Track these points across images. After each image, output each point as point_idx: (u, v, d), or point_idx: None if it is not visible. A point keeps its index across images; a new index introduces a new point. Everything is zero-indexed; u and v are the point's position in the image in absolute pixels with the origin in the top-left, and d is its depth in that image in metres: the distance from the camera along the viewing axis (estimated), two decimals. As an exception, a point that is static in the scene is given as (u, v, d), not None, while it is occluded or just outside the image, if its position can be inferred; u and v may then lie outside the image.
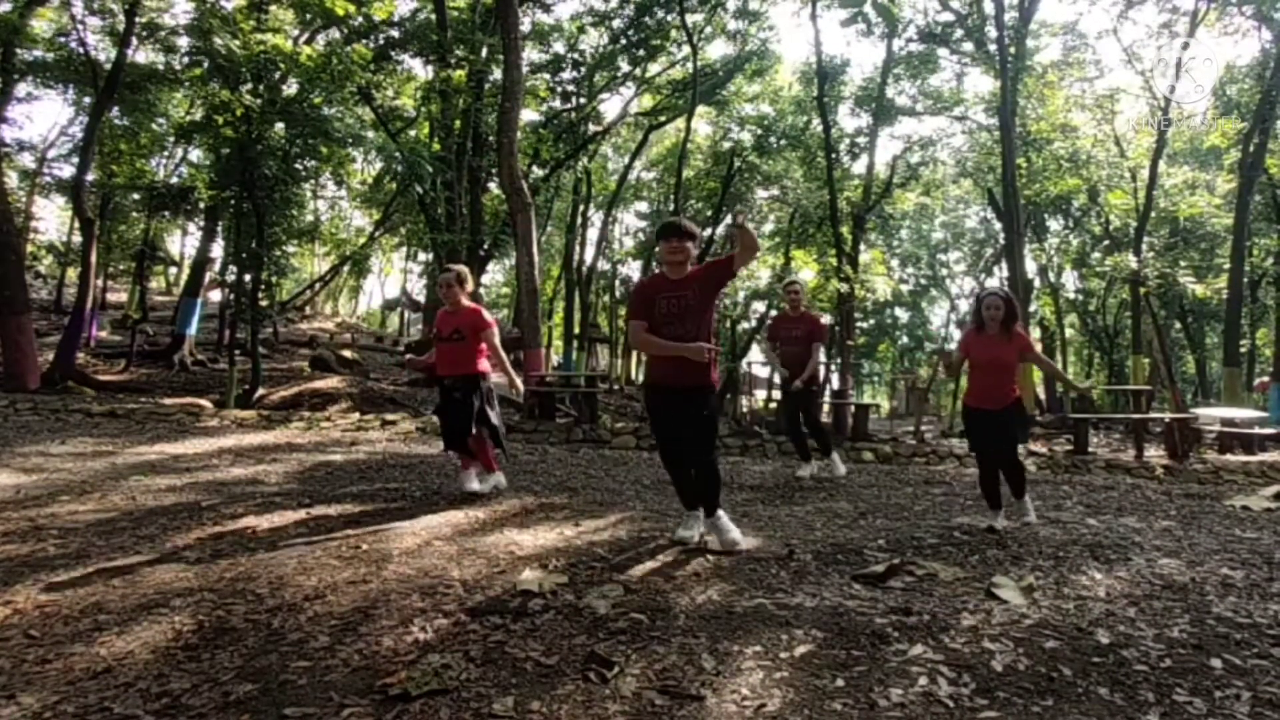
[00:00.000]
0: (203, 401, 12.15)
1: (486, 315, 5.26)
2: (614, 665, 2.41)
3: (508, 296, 33.58)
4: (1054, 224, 26.12)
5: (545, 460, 7.58)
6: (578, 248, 27.59)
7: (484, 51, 16.54)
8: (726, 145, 24.49)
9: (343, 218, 30.61)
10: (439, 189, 15.65)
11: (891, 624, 2.86)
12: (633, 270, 31.79)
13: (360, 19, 16.43)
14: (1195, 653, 2.66)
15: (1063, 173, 19.80)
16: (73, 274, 23.34)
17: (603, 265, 31.00)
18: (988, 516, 4.73)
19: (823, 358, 7.21)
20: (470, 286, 5.39)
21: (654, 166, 29.80)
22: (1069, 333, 31.70)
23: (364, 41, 16.78)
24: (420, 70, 19.48)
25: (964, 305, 33.17)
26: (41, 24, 16.70)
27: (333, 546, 3.85)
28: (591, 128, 23.54)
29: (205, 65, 13.77)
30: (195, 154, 22.85)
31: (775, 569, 3.60)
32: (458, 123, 15.97)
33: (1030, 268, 22.18)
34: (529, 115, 20.74)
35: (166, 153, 24.76)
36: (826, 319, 24.30)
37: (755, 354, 30.96)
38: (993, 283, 30.67)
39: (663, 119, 24.74)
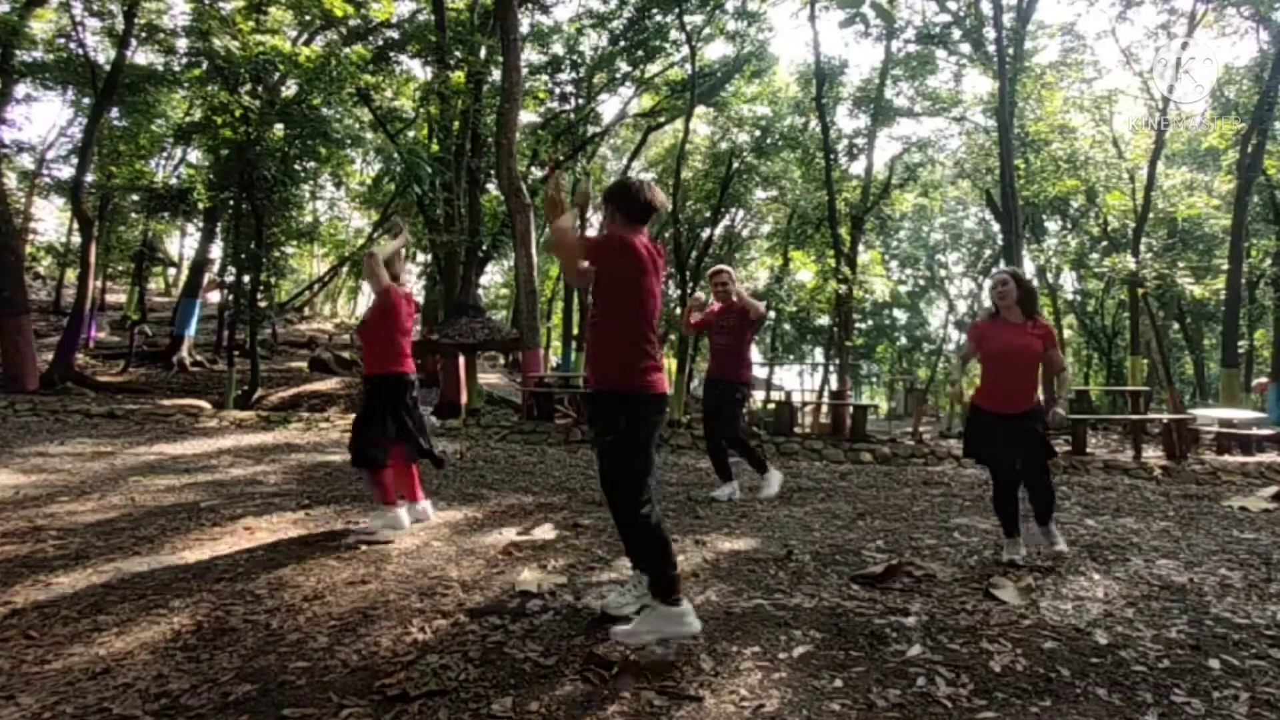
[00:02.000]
0: (201, 402, 12.14)
1: None
2: (613, 665, 2.41)
3: (506, 297, 33.55)
4: (1052, 225, 26.16)
5: (544, 461, 7.58)
6: (576, 249, 27.55)
7: (483, 53, 16.54)
8: (725, 146, 24.50)
9: (341, 219, 30.57)
10: (438, 190, 15.64)
11: (890, 625, 2.87)
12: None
13: (359, 20, 16.44)
14: (1193, 653, 2.67)
15: (1061, 174, 19.81)
16: (72, 275, 23.29)
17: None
18: (1006, 548, 3.88)
19: (755, 355, 6.14)
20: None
21: (653, 167, 29.78)
22: (1067, 333, 31.72)
23: (363, 43, 16.78)
24: (419, 71, 19.48)
25: (962, 306, 33.19)
26: (41, 25, 16.66)
27: (331, 547, 3.86)
28: (590, 129, 23.55)
29: (204, 66, 13.79)
30: (194, 155, 22.83)
31: (774, 570, 3.60)
32: (456, 124, 15.96)
33: (1029, 268, 22.17)
34: (528, 116, 20.75)
35: (165, 154, 24.71)
36: (825, 319, 24.38)
37: (754, 354, 30.98)
38: (990, 283, 30.66)
39: (661, 120, 24.74)
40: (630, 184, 2.91)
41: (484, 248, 17.09)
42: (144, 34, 16.64)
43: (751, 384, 5.74)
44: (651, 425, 2.72)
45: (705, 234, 25.15)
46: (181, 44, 16.14)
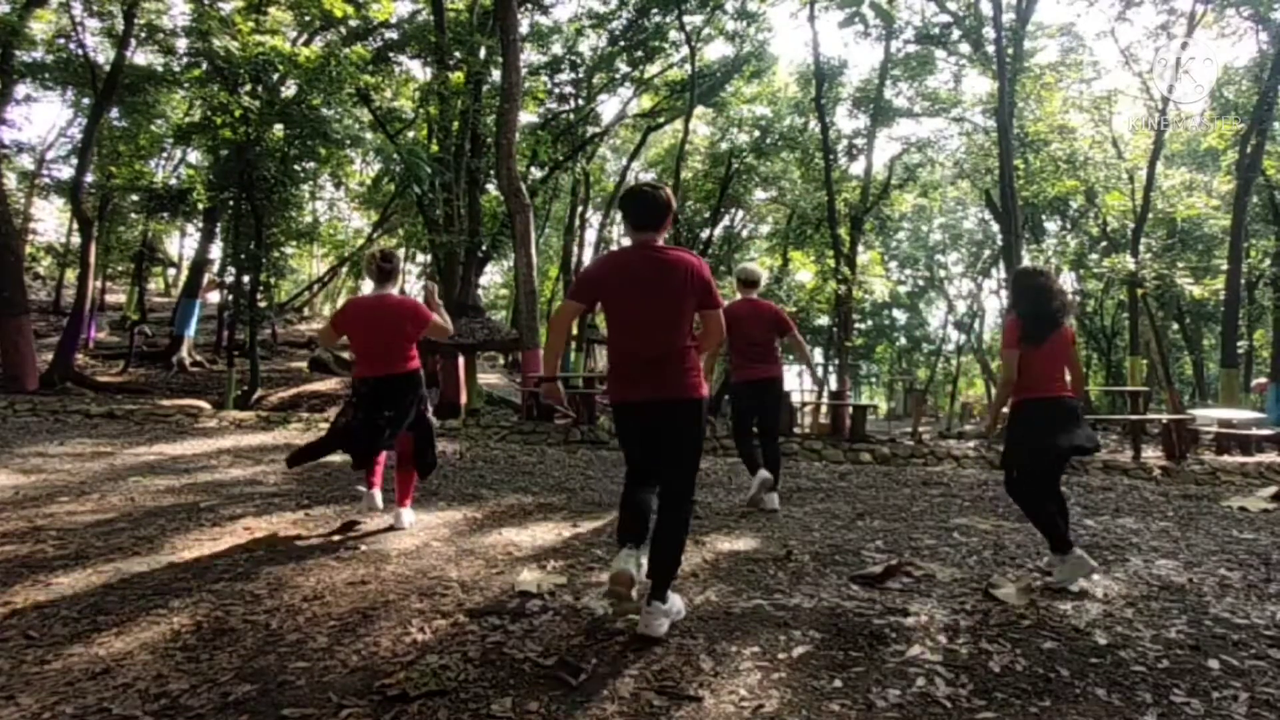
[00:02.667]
0: (201, 403, 12.13)
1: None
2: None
3: (506, 298, 33.56)
4: (1051, 225, 26.18)
5: (543, 461, 7.58)
6: (576, 249, 27.61)
7: (482, 53, 16.55)
8: (724, 146, 24.52)
9: (341, 219, 30.59)
10: (437, 190, 15.65)
11: (889, 625, 2.87)
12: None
13: (359, 20, 16.44)
14: (1193, 654, 2.66)
15: (1060, 174, 19.83)
16: (71, 275, 23.28)
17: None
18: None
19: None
20: None
21: (652, 168, 29.81)
22: (1067, 334, 31.67)
23: (362, 43, 16.79)
24: (419, 72, 19.51)
25: (962, 306, 33.20)
26: (41, 25, 16.66)
27: (331, 547, 3.86)
28: (590, 129, 23.55)
29: (204, 67, 13.78)
30: (194, 155, 22.84)
31: (773, 570, 3.60)
32: (456, 124, 15.98)
33: (1028, 269, 22.14)
34: (527, 117, 20.75)
35: (165, 154, 24.72)
36: (823, 319, 24.40)
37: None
38: (990, 284, 30.75)
39: (661, 120, 24.76)
40: (625, 192, 3.07)
41: (483, 248, 17.10)
42: (144, 34, 16.65)
43: (739, 384, 5.73)
44: (622, 428, 3.02)
45: (705, 234, 25.16)
46: (181, 44, 16.15)
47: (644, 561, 2.80)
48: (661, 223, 2.93)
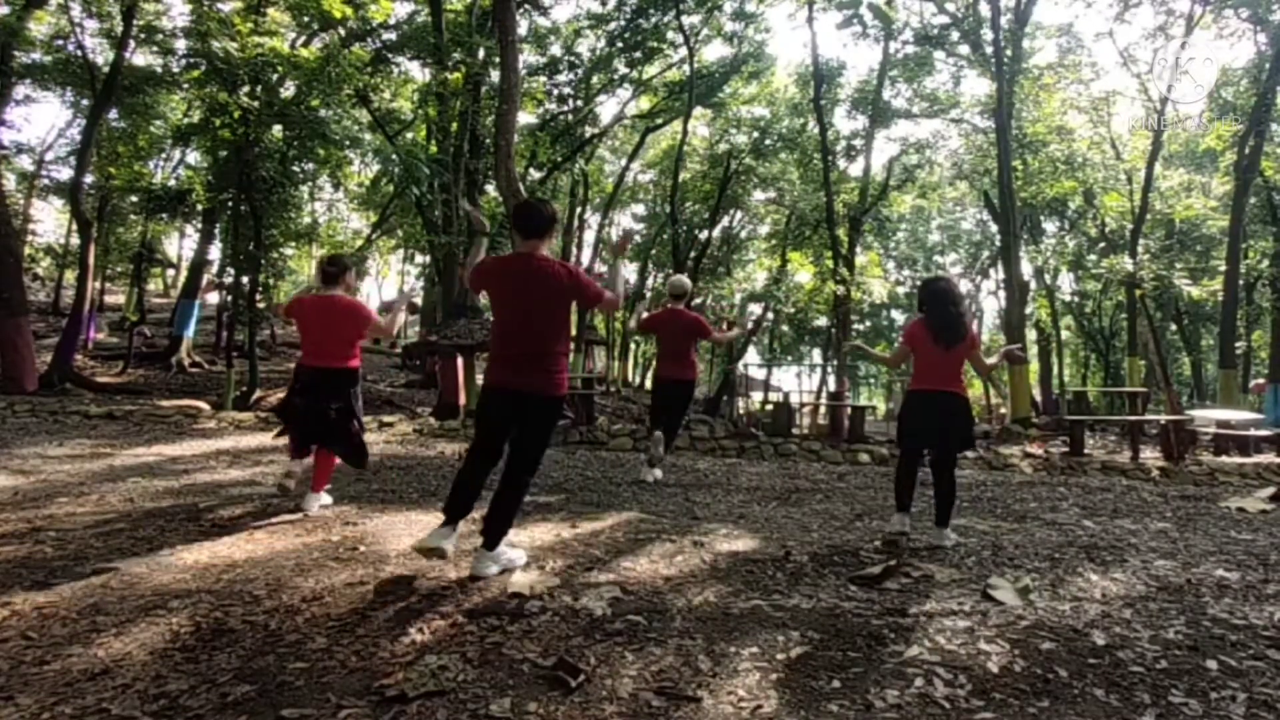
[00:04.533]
0: (200, 403, 12.12)
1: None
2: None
3: (505, 299, 33.54)
4: (1050, 226, 26.21)
5: (542, 461, 7.57)
6: (574, 249, 27.62)
7: (481, 54, 16.56)
8: (723, 147, 24.53)
9: (340, 220, 30.58)
10: (436, 191, 15.65)
11: (887, 625, 2.87)
12: (628, 272, 31.78)
13: (357, 22, 16.44)
14: (1191, 654, 2.67)
15: (1059, 175, 19.84)
16: (71, 276, 23.28)
17: (600, 267, 30.93)
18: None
19: (752, 355, 7.08)
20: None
21: (651, 168, 29.84)
22: (1065, 334, 31.77)
23: (361, 44, 16.79)
24: (417, 73, 19.52)
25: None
26: (40, 26, 16.65)
27: (330, 548, 3.86)
28: (588, 130, 23.56)
29: (203, 68, 13.76)
30: (193, 156, 22.84)
31: (771, 570, 3.61)
32: (454, 125, 15.98)
33: (1026, 269, 22.25)
34: (526, 118, 20.77)
35: (164, 155, 24.72)
36: (822, 321, 24.44)
37: (753, 355, 30.94)
38: (988, 284, 30.78)
39: (659, 121, 24.76)
40: (518, 205, 3.56)
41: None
42: (142, 35, 16.63)
43: (657, 379, 6.86)
44: (486, 410, 3.47)
45: (704, 235, 25.18)
46: (180, 45, 16.13)
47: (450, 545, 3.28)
48: (548, 232, 3.39)
